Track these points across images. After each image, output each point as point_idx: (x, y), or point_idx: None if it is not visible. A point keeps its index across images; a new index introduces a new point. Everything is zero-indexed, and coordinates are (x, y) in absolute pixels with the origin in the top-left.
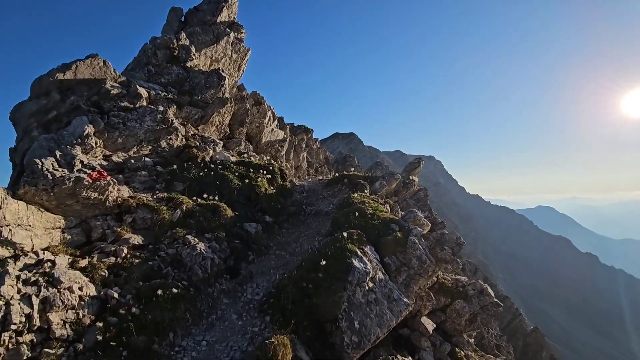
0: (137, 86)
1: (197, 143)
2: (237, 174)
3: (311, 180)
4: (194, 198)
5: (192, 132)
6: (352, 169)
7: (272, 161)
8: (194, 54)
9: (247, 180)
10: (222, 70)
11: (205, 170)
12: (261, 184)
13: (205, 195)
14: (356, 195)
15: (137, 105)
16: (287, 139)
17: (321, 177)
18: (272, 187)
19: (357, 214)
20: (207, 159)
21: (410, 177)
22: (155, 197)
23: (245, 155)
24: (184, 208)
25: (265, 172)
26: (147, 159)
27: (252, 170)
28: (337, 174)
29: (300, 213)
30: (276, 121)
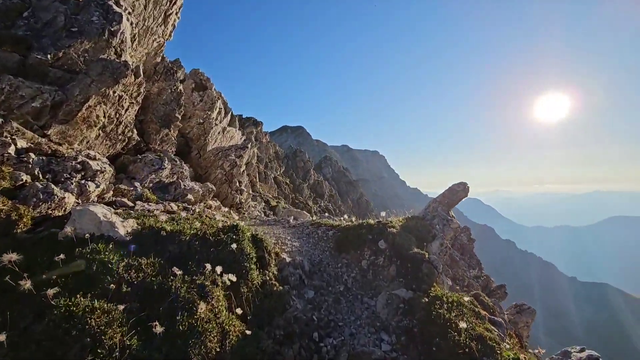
0: None
1: (25, 177)
2: (138, 289)
3: (293, 222)
4: None
5: (20, 145)
6: (303, 164)
7: (236, 218)
8: None
9: (164, 322)
10: (117, 3)
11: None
12: (210, 318)
13: None
14: (450, 313)
15: None
16: (249, 146)
17: (313, 219)
18: (239, 310)
19: None
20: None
21: (451, 212)
22: None
23: (173, 194)
24: None
25: (220, 265)
26: None
27: (180, 272)
28: (354, 221)
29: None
30: (229, 116)
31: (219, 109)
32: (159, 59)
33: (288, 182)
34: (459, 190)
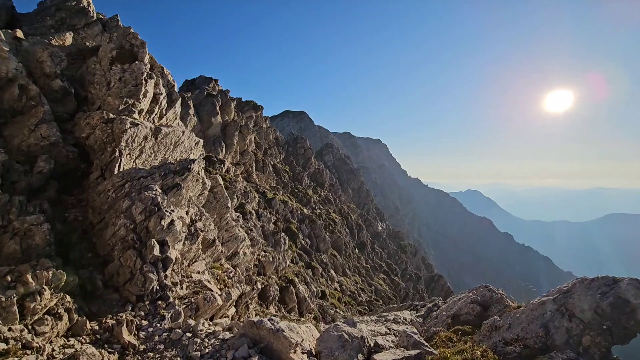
0: None
1: None
2: None
3: None
4: None
5: None
6: (303, 150)
7: None
8: None
9: None
10: None
11: None
12: None
13: None
14: None
15: None
16: (194, 167)
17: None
18: None
19: None
20: None
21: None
22: None
23: None
24: None
25: None
26: None
27: None
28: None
29: None
30: (176, 108)
31: (154, 94)
32: None
33: (288, 170)
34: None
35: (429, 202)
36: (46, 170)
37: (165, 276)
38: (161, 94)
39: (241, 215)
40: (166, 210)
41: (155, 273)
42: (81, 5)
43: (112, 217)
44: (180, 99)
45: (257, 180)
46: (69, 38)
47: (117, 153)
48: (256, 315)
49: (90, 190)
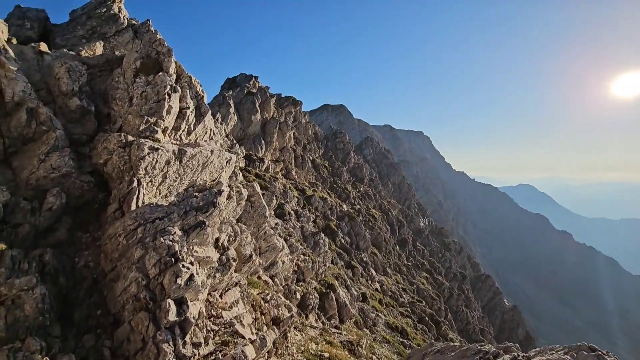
0: None
1: None
2: None
3: None
4: None
5: None
6: (343, 145)
7: None
8: None
9: None
10: None
11: None
12: None
13: None
14: None
15: None
16: (220, 200)
17: None
18: None
19: None
20: None
21: None
22: None
23: None
24: None
25: None
26: None
27: None
28: None
29: None
30: (206, 121)
31: (180, 109)
32: None
33: (327, 165)
34: None
35: (476, 197)
36: (56, 206)
37: (184, 343)
38: (188, 108)
39: (280, 222)
40: (183, 265)
41: (171, 343)
42: (111, 11)
43: (124, 267)
44: (209, 112)
45: (296, 176)
46: (99, 48)
47: (135, 183)
48: (294, 328)
49: (106, 226)
